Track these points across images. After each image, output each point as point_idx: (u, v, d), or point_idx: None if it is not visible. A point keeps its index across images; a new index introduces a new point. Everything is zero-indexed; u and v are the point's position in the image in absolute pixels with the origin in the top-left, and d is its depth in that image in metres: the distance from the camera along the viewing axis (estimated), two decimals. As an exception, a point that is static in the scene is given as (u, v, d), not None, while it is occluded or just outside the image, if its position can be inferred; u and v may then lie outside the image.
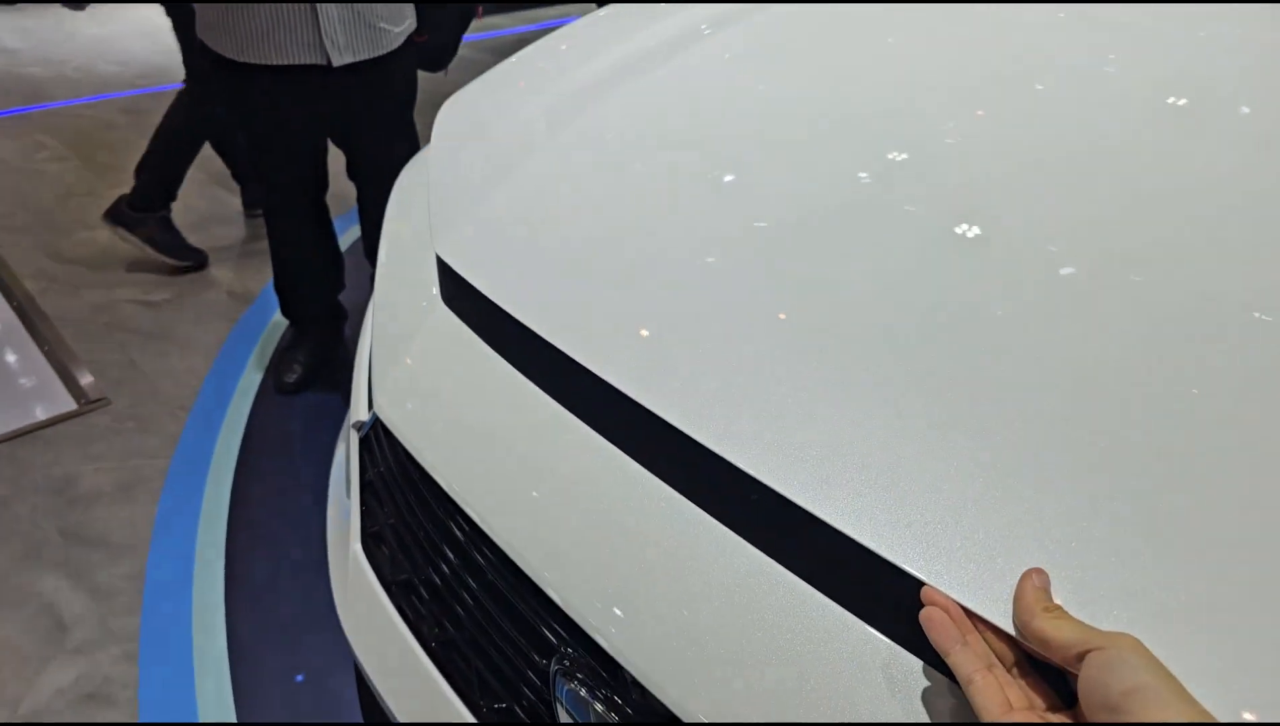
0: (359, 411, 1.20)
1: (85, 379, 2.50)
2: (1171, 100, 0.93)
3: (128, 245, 2.98)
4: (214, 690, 1.65)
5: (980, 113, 0.97)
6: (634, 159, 1.09)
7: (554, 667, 0.76)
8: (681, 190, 1.00)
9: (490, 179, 1.18)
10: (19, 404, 2.39)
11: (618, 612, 0.70)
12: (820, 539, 0.63)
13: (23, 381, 2.48)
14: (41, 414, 2.35)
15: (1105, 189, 0.82)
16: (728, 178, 0.98)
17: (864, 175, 0.92)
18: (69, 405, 2.39)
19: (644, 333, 0.82)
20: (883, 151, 0.94)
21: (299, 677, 1.68)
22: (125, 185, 3.73)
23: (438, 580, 0.96)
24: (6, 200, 3.54)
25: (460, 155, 1.31)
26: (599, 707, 0.72)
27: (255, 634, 1.77)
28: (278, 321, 2.77)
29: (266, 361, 2.61)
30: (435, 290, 1.08)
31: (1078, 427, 0.62)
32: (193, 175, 3.88)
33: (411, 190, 1.38)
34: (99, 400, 2.42)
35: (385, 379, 1.05)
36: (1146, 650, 0.44)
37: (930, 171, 0.90)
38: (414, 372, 1.02)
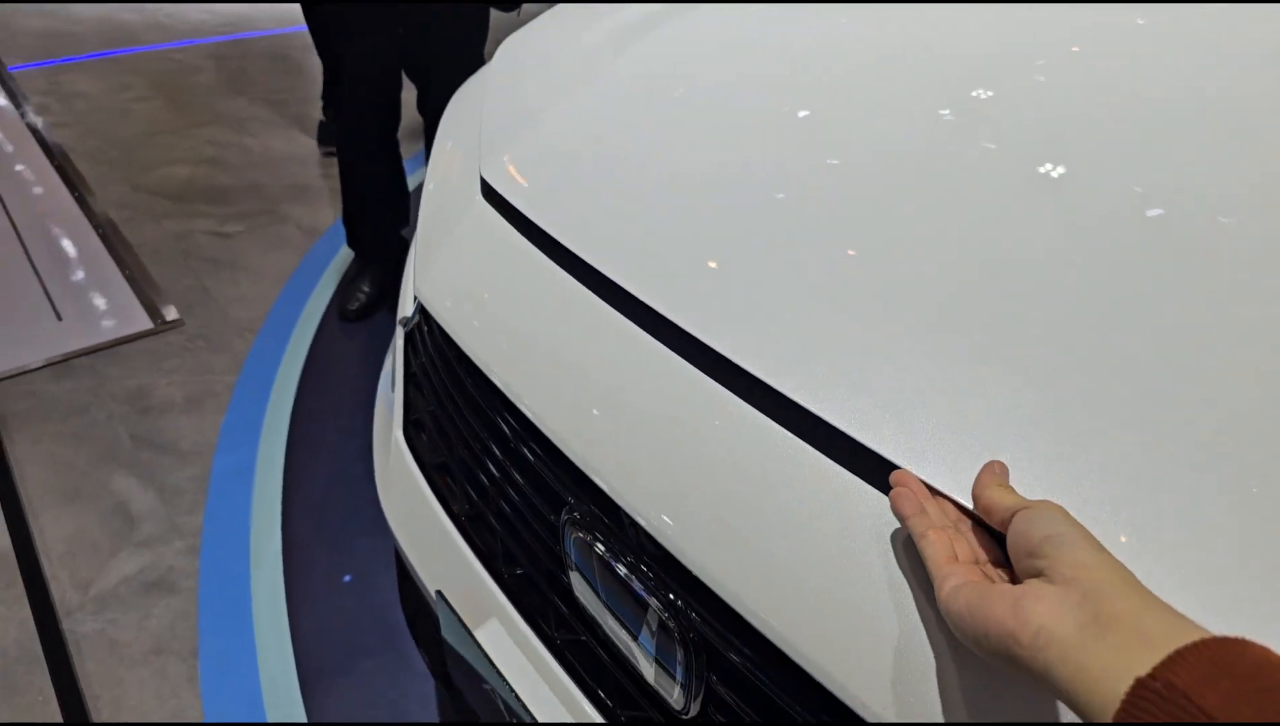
0: (405, 309, 1.25)
1: (161, 301, 2.62)
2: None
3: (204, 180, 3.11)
4: (268, 585, 1.74)
5: (1075, 49, 0.92)
6: (702, 91, 1.06)
7: (563, 519, 0.80)
8: (752, 124, 0.96)
9: (544, 105, 1.19)
10: (100, 321, 2.52)
11: (661, 490, 0.71)
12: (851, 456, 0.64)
13: (104, 301, 2.61)
14: (120, 331, 2.48)
15: (1207, 133, 0.77)
16: (802, 113, 0.94)
17: (946, 112, 0.86)
18: (146, 324, 2.51)
19: (712, 265, 0.80)
20: (967, 89, 0.89)
21: (346, 578, 1.76)
22: (205, 124, 3.88)
23: (468, 459, 1.01)
24: (96, 136, 3.69)
25: (516, 81, 1.34)
26: (600, 550, 0.75)
27: (308, 537, 1.86)
28: (344, 256, 2.86)
29: (332, 291, 2.70)
30: (478, 195, 1.11)
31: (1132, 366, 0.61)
32: (271, 117, 4.01)
33: (465, 108, 1.42)
34: (174, 321, 2.53)
35: (427, 267, 1.09)
36: (1065, 511, 0.49)
37: (1017, 110, 0.84)
38: (455, 261, 1.06)
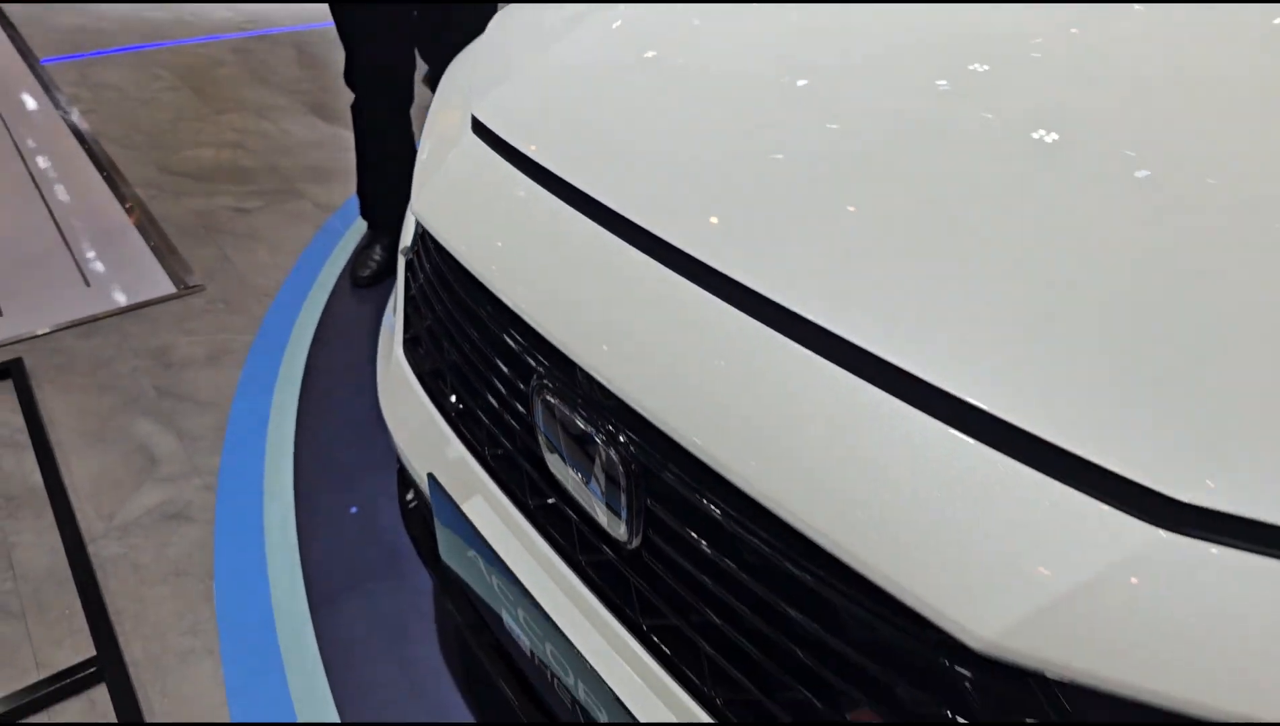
0: (406, 241, 1.37)
1: (184, 269, 2.76)
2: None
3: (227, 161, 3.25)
4: (279, 515, 1.86)
5: (1075, 31, 0.96)
6: (688, 44, 1.12)
7: (532, 385, 0.91)
8: (749, 87, 1.00)
9: (532, 53, 1.30)
10: (127, 287, 2.66)
11: (609, 341, 0.82)
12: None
13: (132, 269, 2.75)
14: (145, 295, 2.61)
15: (1206, 110, 0.81)
16: (801, 82, 0.99)
17: (942, 83, 0.91)
18: (170, 289, 2.65)
19: (714, 221, 0.84)
20: (964, 63, 0.93)
21: (353, 509, 1.88)
22: (228, 111, 4.02)
23: (458, 361, 1.12)
24: (125, 122, 3.85)
25: (506, 40, 1.45)
26: (557, 403, 0.86)
27: (318, 475, 1.98)
28: (357, 228, 2.99)
29: (345, 260, 2.83)
30: (469, 130, 1.22)
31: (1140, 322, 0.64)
32: (291, 105, 4.15)
33: (459, 66, 1.53)
34: (195, 287, 2.67)
35: (422, 192, 1.21)
36: None
37: (1011, 85, 0.89)
38: (447, 184, 1.17)
